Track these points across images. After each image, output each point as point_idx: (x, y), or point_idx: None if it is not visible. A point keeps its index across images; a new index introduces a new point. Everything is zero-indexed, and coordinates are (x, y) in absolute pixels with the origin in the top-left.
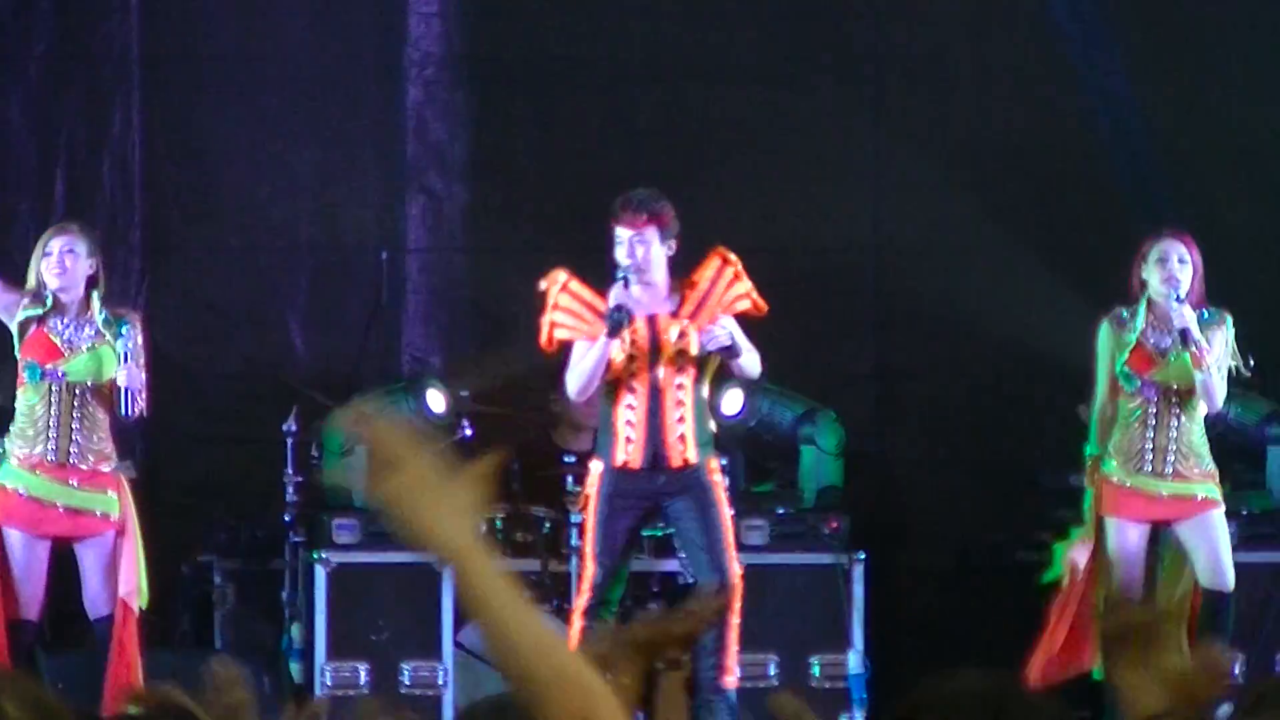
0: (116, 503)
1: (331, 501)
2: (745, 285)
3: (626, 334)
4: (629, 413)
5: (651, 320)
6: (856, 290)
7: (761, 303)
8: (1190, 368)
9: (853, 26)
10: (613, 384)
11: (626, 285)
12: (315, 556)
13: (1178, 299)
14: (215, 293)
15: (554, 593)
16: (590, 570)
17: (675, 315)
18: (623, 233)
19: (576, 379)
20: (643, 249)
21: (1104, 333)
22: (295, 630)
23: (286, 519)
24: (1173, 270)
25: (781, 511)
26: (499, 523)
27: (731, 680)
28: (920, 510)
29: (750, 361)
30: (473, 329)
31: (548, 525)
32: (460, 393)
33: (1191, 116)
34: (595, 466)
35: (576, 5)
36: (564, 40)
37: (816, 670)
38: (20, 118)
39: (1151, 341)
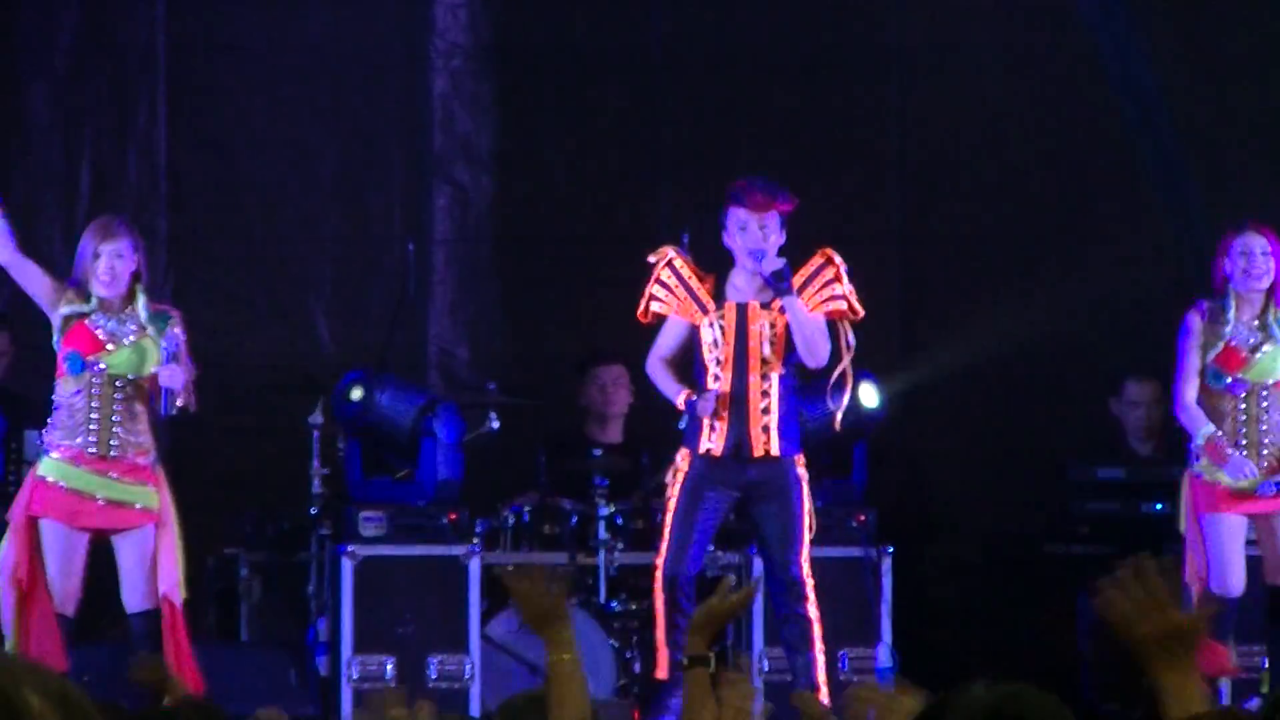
0: (156, 496)
1: (357, 494)
2: (843, 288)
3: (715, 317)
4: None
5: (743, 308)
6: (884, 281)
7: (858, 307)
8: (1275, 363)
9: (879, 16)
10: (696, 368)
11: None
12: (341, 549)
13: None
14: (240, 284)
15: (582, 586)
16: (665, 543)
17: (767, 306)
18: (746, 215)
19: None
20: (762, 234)
21: (1193, 324)
22: (321, 623)
23: (312, 511)
24: (1257, 262)
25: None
26: (526, 515)
27: (824, 700)
28: (948, 503)
29: (813, 342)
30: (499, 320)
31: (575, 518)
32: (488, 383)
33: (1220, 107)
34: (682, 453)
35: None
36: (590, 31)
37: (845, 664)
38: (45, 109)
39: (1239, 339)
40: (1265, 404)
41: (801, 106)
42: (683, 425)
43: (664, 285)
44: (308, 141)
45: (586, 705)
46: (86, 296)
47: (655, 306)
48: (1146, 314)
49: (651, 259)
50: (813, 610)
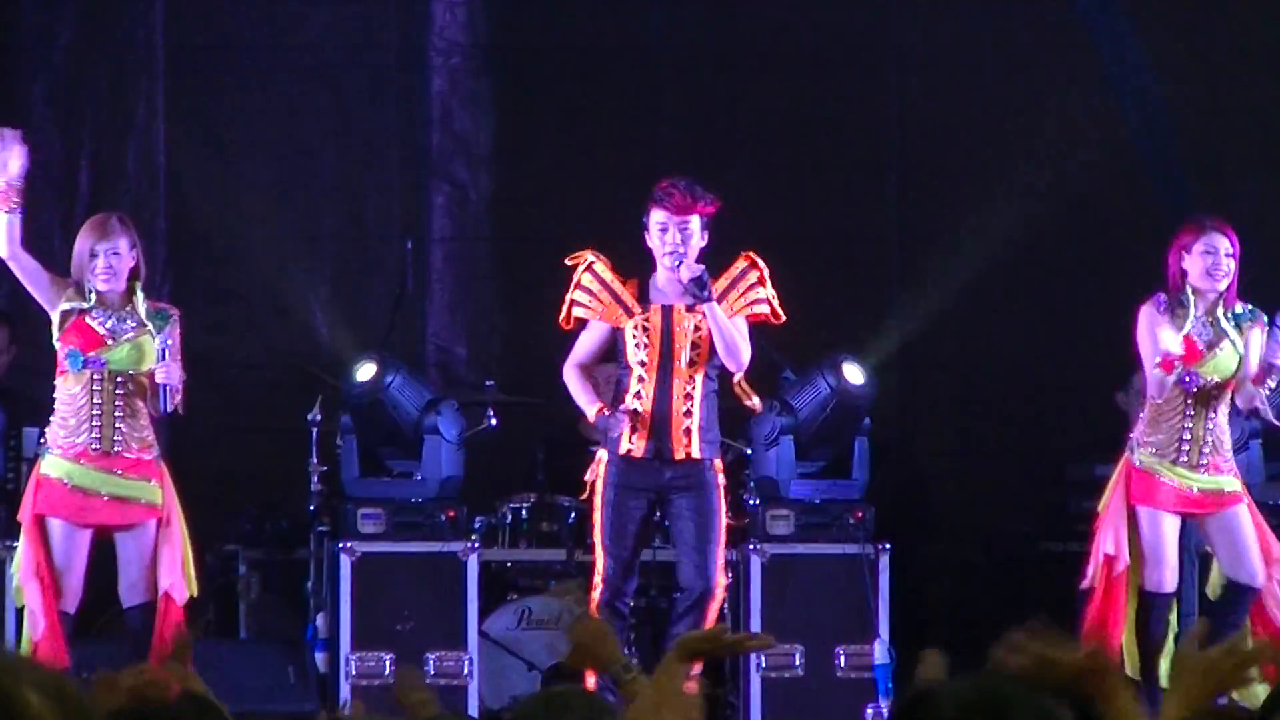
0: (160, 491)
1: (355, 491)
2: (766, 292)
3: (639, 320)
4: (636, 401)
5: (668, 311)
6: (882, 280)
7: (780, 312)
8: (1228, 361)
9: (878, 14)
10: (620, 370)
11: (675, 269)
12: (340, 546)
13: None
14: (239, 282)
15: (579, 581)
16: (602, 562)
17: (692, 309)
18: (666, 218)
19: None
20: (682, 236)
21: (1152, 314)
22: (320, 620)
23: (311, 508)
24: (1220, 262)
25: (809, 502)
26: (524, 512)
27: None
28: (945, 500)
29: (734, 347)
30: (497, 318)
31: (573, 515)
32: (486, 381)
33: (1220, 111)
34: (601, 455)
35: None
36: (588, 29)
37: (842, 660)
38: (45, 108)
39: (1198, 334)
40: (1215, 402)
41: (800, 105)
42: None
43: (585, 290)
44: (306, 140)
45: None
46: (85, 294)
47: (578, 311)
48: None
49: (569, 262)
50: (712, 611)
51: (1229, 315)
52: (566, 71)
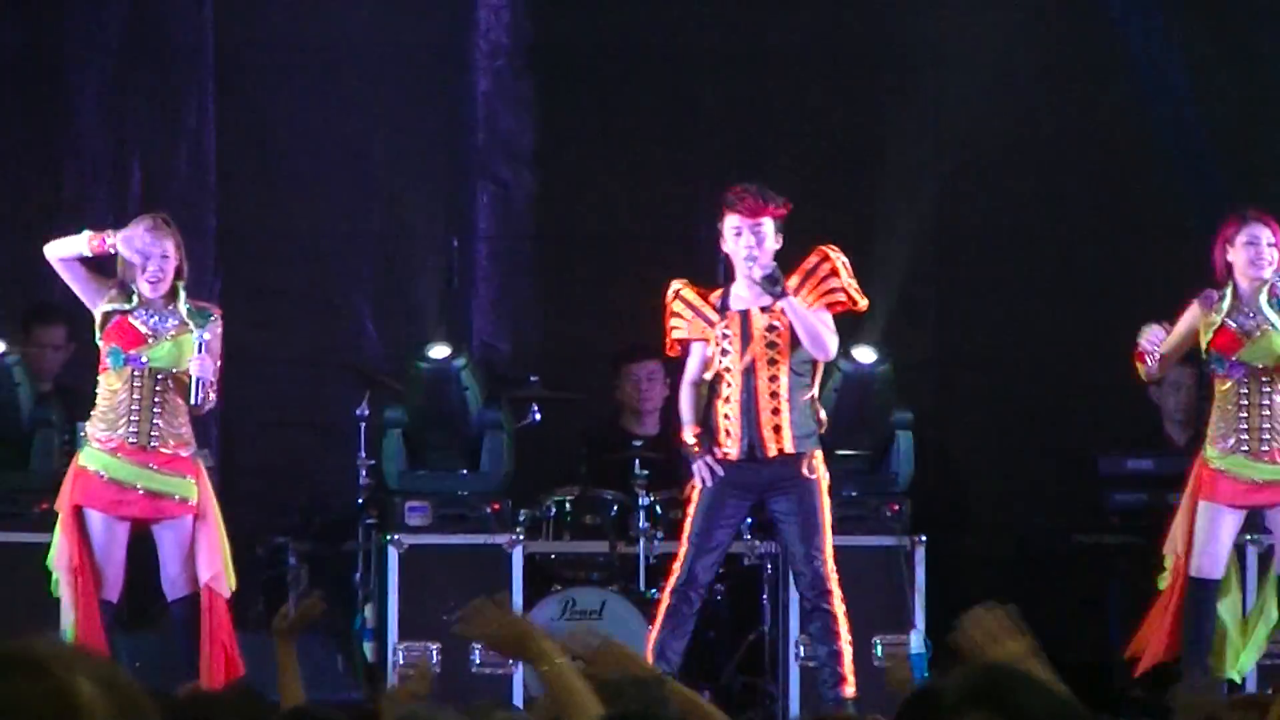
0: (194, 487)
1: (401, 484)
2: (842, 281)
3: (720, 328)
4: (726, 405)
5: (745, 314)
6: (919, 279)
7: (858, 298)
8: (1272, 347)
9: (911, 14)
10: (713, 378)
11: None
12: (387, 539)
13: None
14: (288, 279)
15: (622, 574)
16: (684, 550)
17: (767, 309)
18: (740, 222)
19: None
20: (757, 239)
21: (1192, 309)
22: (368, 611)
23: (359, 502)
24: (1263, 252)
25: (845, 494)
26: (568, 505)
27: (849, 689)
28: (980, 495)
29: (817, 336)
30: (540, 315)
31: (615, 508)
32: (529, 377)
33: (1251, 106)
34: (702, 461)
35: None
36: (629, 30)
37: (879, 650)
38: (96, 109)
39: (1236, 322)
40: (1267, 389)
41: (836, 105)
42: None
43: (677, 315)
44: (354, 139)
45: (593, 700)
46: (129, 295)
47: (675, 334)
48: (1178, 306)
49: (667, 297)
50: (838, 605)
51: (1273, 302)
52: (607, 72)
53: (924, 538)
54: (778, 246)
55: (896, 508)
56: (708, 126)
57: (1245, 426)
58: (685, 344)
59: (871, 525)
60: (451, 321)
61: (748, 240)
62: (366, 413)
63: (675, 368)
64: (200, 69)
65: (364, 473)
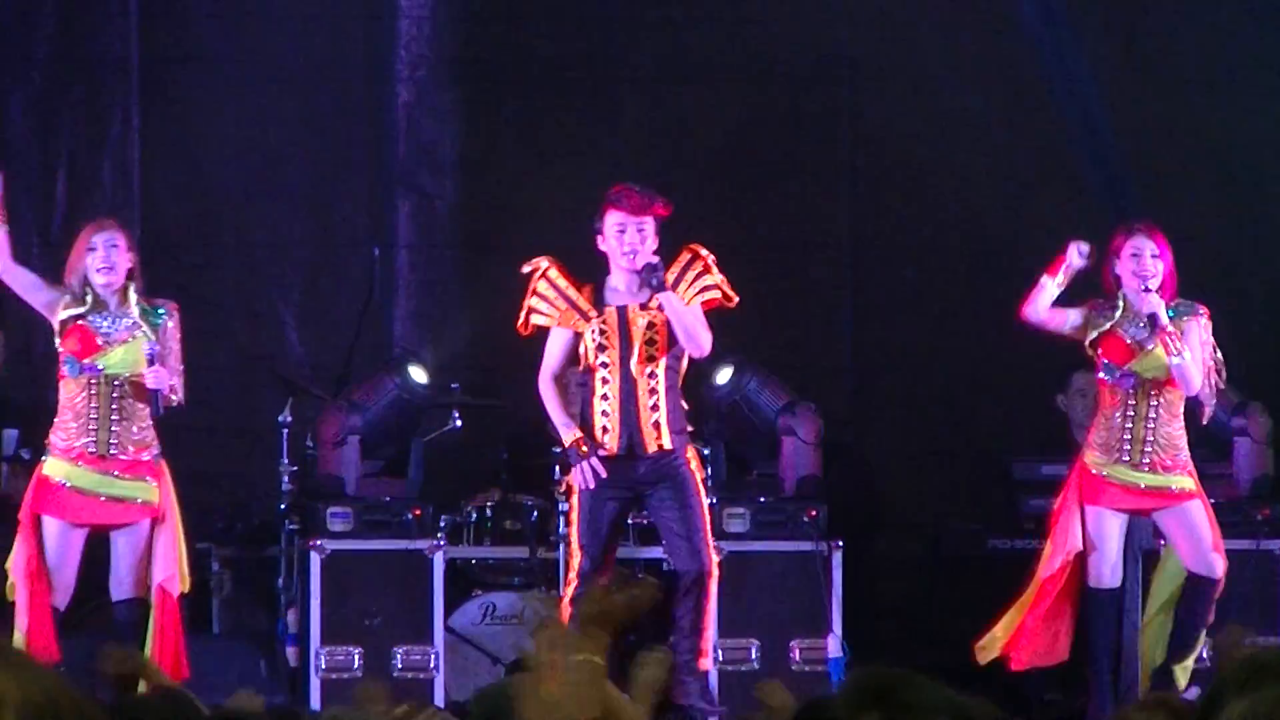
0: (156, 490)
1: (325, 490)
2: (715, 278)
3: (597, 323)
4: (603, 402)
5: (623, 310)
6: (835, 285)
7: (731, 294)
8: (1164, 358)
9: (830, 26)
10: (585, 373)
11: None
12: (309, 544)
13: (1145, 288)
14: (211, 288)
15: (542, 578)
16: (577, 559)
17: (645, 306)
18: (624, 219)
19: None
20: (639, 236)
21: (1083, 307)
22: (290, 616)
23: (282, 507)
24: (1146, 264)
25: (762, 500)
26: (488, 511)
27: (706, 663)
28: (895, 499)
29: (693, 332)
30: (461, 323)
31: (536, 513)
32: (450, 384)
33: (1158, 116)
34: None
35: (563, 9)
36: (550, 43)
37: (797, 654)
38: (22, 119)
39: (1129, 334)
40: (1154, 402)
41: (754, 116)
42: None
43: (542, 297)
44: (276, 150)
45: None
46: (82, 299)
47: (536, 319)
48: None
49: (526, 269)
50: (714, 588)
51: (1169, 312)
52: (529, 84)
53: (840, 542)
54: (655, 246)
55: (813, 513)
56: (626, 138)
57: (1129, 437)
58: (543, 330)
59: (788, 530)
60: (373, 329)
61: (631, 237)
62: (289, 419)
63: None
64: (125, 79)
65: (286, 478)
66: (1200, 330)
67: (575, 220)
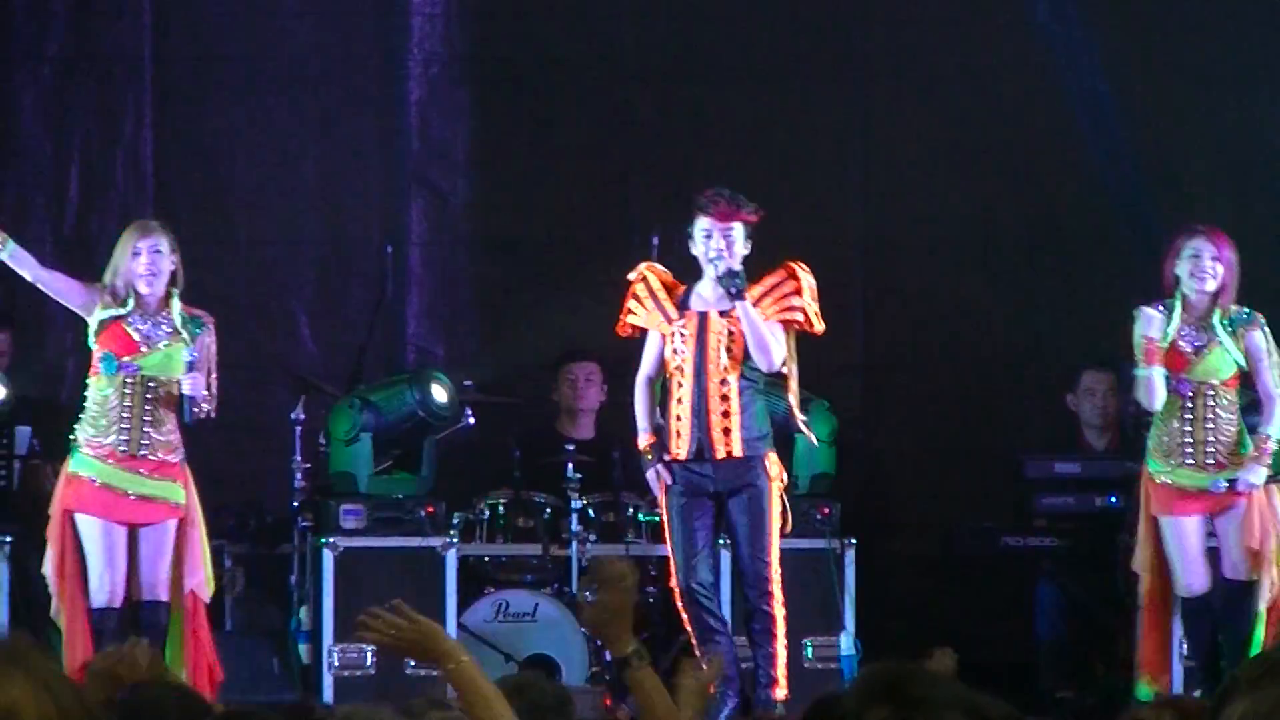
0: (183, 493)
1: (338, 488)
2: (802, 301)
3: (677, 326)
4: (678, 406)
5: (703, 316)
6: (846, 284)
7: (817, 324)
8: (1219, 363)
9: (842, 27)
10: (666, 377)
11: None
12: (322, 541)
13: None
14: (224, 286)
15: (554, 576)
16: (674, 562)
17: (725, 314)
18: (710, 225)
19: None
20: (724, 242)
21: (1151, 315)
22: (303, 613)
23: (294, 505)
24: (1204, 266)
25: None
26: (501, 508)
27: (781, 693)
28: (907, 497)
29: (764, 344)
30: (474, 321)
31: (549, 511)
32: (464, 381)
33: (1170, 115)
34: (658, 466)
35: (575, 7)
36: (563, 41)
37: (809, 652)
38: (35, 117)
39: (1185, 339)
40: (1212, 404)
41: (766, 115)
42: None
43: (638, 300)
44: (289, 147)
45: (502, 698)
46: (123, 300)
47: (631, 319)
48: (1101, 314)
49: (631, 276)
50: (778, 608)
51: (1225, 321)
52: (541, 81)
53: (853, 540)
54: (746, 252)
55: (827, 511)
56: (638, 135)
57: (1190, 440)
58: (639, 330)
59: (801, 528)
60: (386, 326)
61: (717, 243)
62: (303, 417)
63: (613, 370)
64: (139, 78)
65: (299, 475)
66: (1265, 337)
67: (585, 216)
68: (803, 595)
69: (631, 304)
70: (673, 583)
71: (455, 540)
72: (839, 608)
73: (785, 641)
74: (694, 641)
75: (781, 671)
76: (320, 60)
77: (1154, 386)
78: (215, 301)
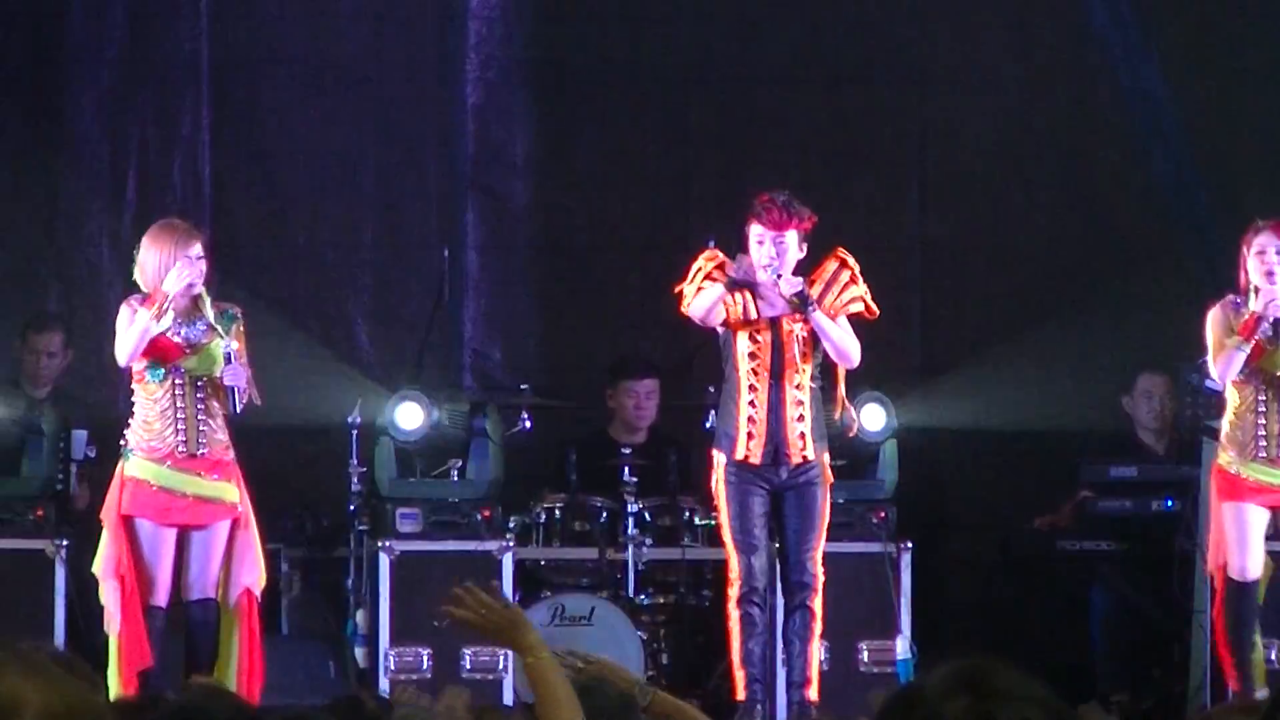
0: (237, 492)
1: (394, 492)
2: (860, 289)
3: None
4: (750, 409)
5: (776, 323)
6: (904, 287)
7: (874, 306)
8: None
9: (900, 31)
10: (732, 378)
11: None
12: (379, 545)
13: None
14: (282, 289)
15: (611, 580)
16: (734, 559)
17: (795, 318)
18: (763, 232)
19: (698, 307)
20: (778, 249)
21: (1214, 315)
22: (359, 616)
23: (351, 508)
24: (1271, 262)
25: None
26: (557, 512)
27: (813, 694)
28: (965, 501)
29: (844, 349)
30: (531, 324)
31: (605, 515)
32: (521, 385)
33: (1227, 117)
34: (718, 459)
35: (632, 10)
36: (620, 44)
37: (865, 655)
38: (93, 119)
39: (1261, 331)
40: None
41: (824, 119)
42: (709, 425)
43: (711, 279)
44: (347, 150)
45: (574, 697)
46: (162, 314)
47: (704, 282)
48: (1159, 315)
49: (705, 256)
50: (818, 606)
51: None
52: (599, 84)
53: (910, 544)
54: (801, 256)
55: (882, 514)
56: (698, 138)
57: (1264, 433)
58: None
59: (858, 531)
60: (444, 330)
61: (769, 250)
62: (359, 420)
63: (670, 387)
64: (196, 80)
65: (355, 479)
66: None
67: (642, 220)
68: (858, 599)
69: (704, 281)
70: (729, 584)
71: (511, 543)
72: (895, 611)
73: (824, 644)
74: (735, 658)
75: (815, 671)
76: (378, 62)
77: (1238, 362)
78: (272, 304)
